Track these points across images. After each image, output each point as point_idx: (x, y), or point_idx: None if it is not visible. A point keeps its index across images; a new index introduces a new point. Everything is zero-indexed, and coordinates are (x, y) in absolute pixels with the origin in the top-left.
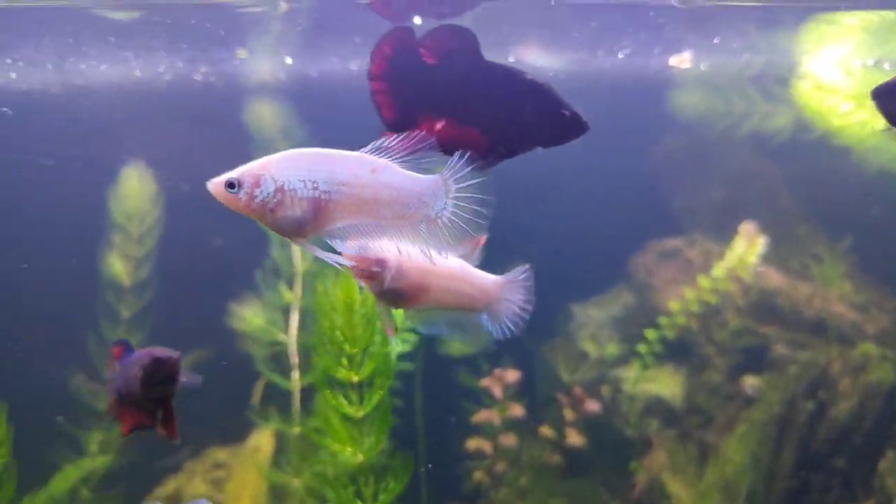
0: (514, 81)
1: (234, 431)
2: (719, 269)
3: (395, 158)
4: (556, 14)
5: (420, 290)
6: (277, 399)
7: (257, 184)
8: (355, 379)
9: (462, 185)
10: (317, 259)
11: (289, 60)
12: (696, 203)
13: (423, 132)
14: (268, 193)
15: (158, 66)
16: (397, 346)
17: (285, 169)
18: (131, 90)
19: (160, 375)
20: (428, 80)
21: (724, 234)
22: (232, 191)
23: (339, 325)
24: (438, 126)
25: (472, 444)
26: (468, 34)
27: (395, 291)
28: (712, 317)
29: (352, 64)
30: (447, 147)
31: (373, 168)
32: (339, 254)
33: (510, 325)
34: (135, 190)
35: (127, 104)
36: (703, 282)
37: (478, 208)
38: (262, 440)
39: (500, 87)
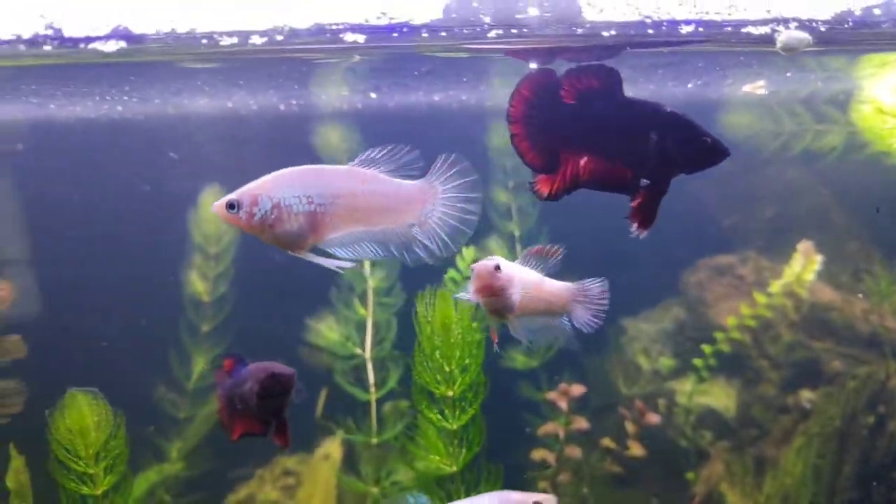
0: (656, 114)
1: (301, 441)
2: (776, 286)
3: (382, 169)
4: (661, 58)
5: (524, 301)
6: (344, 410)
7: (255, 202)
8: (451, 394)
9: (447, 185)
10: (386, 278)
11: (373, 95)
12: (747, 220)
13: (568, 170)
14: (265, 211)
15: (249, 99)
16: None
17: (280, 187)
18: (220, 120)
19: (276, 390)
20: (566, 119)
21: (776, 251)
22: (232, 211)
23: (438, 345)
24: (582, 162)
25: (537, 454)
26: (610, 72)
27: (510, 305)
28: (765, 331)
29: (435, 96)
30: (592, 181)
31: (362, 179)
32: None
33: (589, 324)
34: (210, 212)
35: (217, 132)
36: (760, 298)
37: (465, 206)
38: (332, 448)
39: (641, 120)
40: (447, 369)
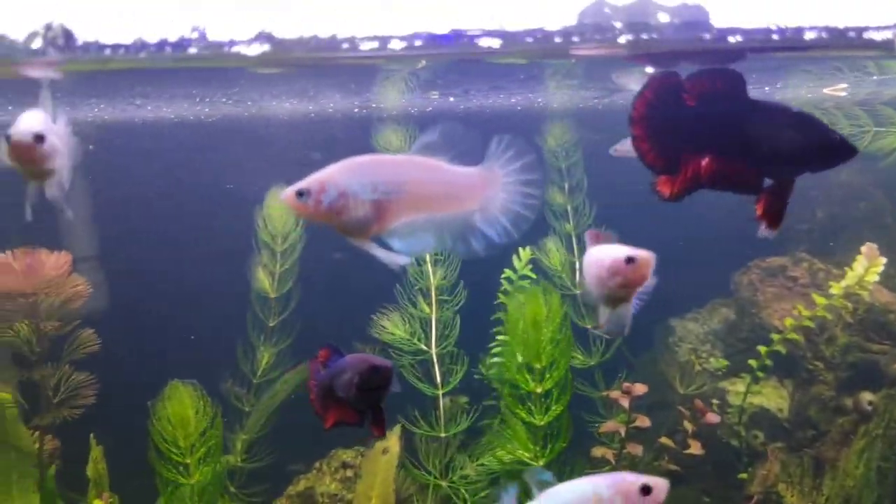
0: (783, 114)
1: (357, 434)
2: (837, 288)
3: (443, 156)
4: (770, 62)
5: None
6: (406, 404)
7: (323, 190)
8: (539, 391)
9: (507, 169)
10: (447, 276)
11: (452, 99)
12: (799, 222)
13: (689, 170)
14: (332, 198)
15: (329, 102)
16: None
17: (347, 175)
18: (299, 122)
19: (375, 382)
20: (688, 121)
21: (829, 252)
22: (301, 199)
23: (528, 342)
24: (704, 163)
25: (598, 452)
26: (734, 75)
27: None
28: (820, 333)
29: (513, 98)
30: (714, 182)
31: (425, 167)
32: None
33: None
34: (277, 210)
35: (299, 132)
36: (820, 299)
37: (526, 189)
38: (390, 442)
39: (767, 120)
40: (537, 366)
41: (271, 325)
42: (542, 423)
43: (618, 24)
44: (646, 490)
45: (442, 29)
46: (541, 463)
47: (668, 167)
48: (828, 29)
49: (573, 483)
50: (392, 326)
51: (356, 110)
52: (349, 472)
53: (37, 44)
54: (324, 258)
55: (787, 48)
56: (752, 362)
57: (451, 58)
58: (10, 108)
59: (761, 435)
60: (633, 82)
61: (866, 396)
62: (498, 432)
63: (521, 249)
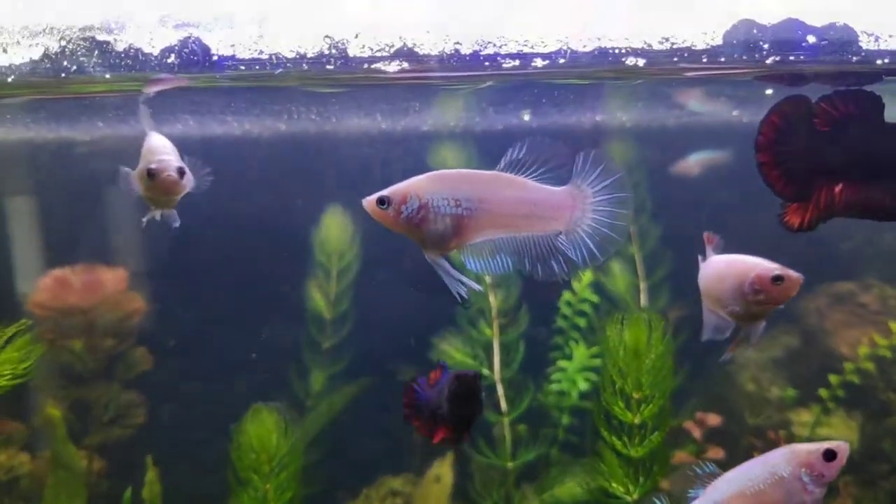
0: None
1: (407, 462)
2: None
3: (529, 174)
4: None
5: None
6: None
7: (404, 201)
8: (636, 422)
9: (596, 188)
10: (506, 299)
11: (526, 117)
12: (866, 245)
13: (823, 198)
14: (413, 209)
15: (400, 121)
16: (581, 385)
17: (429, 188)
18: (366, 139)
19: (464, 392)
20: (820, 147)
21: None
22: (382, 207)
23: (627, 371)
24: (837, 189)
25: (664, 484)
26: (870, 98)
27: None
28: (893, 363)
29: (598, 116)
30: (850, 209)
31: (511, 185)
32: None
33: None
34: (334, 231)
35: (365, 149)
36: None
37: (616, 210)
38: (442, 470)
39: None
40: (635, 396)
41: (326, 346)
42: (638, 455)
43: (765, 46)
44: (829, 455)
45: (588, 47)
46: (634, 497)
47: (798, 195)
48: None
49: (741, 468)
50: (453, 350)
51: (425, 128)
52: (398, 501)
53: (171, 59)
54: (379, 279)
55: None
56: (823, 392)
57: (594, 75)
58: (100, 124)
59: None
60: (695, 99)
61: None
62: (586, 463)
63: (580, 272)
